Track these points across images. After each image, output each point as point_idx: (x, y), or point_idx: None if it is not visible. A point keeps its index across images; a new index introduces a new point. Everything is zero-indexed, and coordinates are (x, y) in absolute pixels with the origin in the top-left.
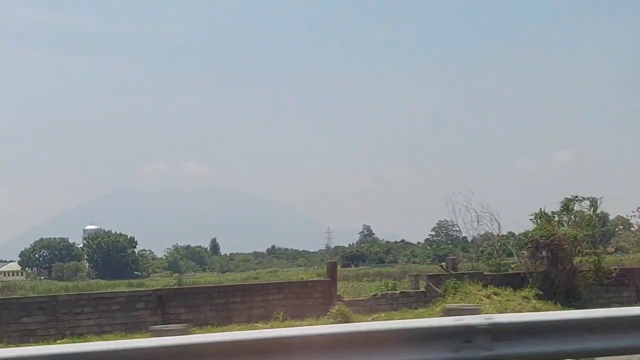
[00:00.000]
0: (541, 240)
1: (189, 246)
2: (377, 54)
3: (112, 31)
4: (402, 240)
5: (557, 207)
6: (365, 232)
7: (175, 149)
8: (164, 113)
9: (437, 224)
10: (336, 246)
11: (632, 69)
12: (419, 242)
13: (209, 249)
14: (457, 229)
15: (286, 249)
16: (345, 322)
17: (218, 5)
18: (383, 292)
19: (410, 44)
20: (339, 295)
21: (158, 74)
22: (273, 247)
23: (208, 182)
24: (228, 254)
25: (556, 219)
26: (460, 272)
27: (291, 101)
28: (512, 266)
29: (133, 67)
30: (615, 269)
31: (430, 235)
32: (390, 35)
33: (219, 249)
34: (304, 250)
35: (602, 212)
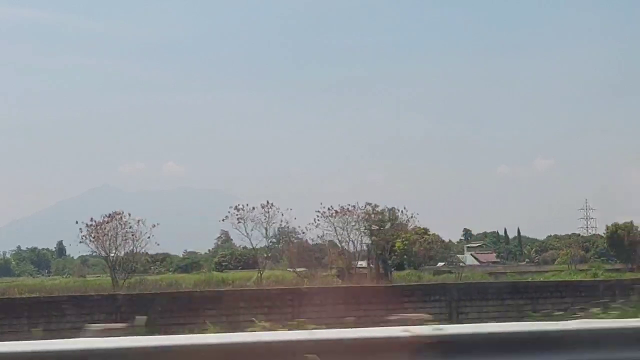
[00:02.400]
0: None
1: (35, 248)
2: (358, 55)
3: (98, 29)
4: (245, 247)
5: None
6: (224, 237)
7: (157, 149)
8: (149, 112)
9: (221, 232)
10: (191, 251)
11: (612, 76)
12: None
13: (55, 251)
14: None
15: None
16: None
17: (203, 5)
18: None
19: (393, 47)
20: None
21: (143, 73)
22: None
23: (187, 183)
24: (76, 257)
25: None
26: None
27: (277, 102)
28: None
29: (117, 66)
30: None
31: (215, 243)
32: (370, 37)
33: (64, 251)
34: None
35: (400, 223)
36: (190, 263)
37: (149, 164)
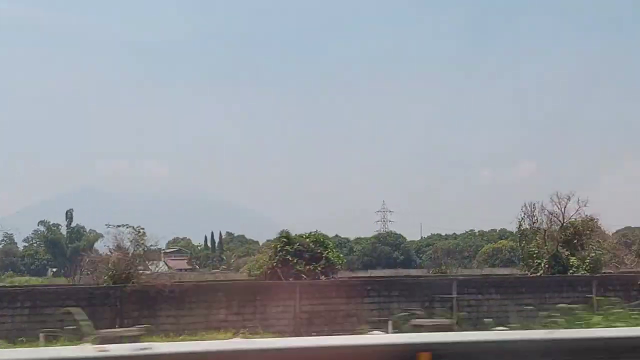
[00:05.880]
0: None
1: None
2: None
3: (98, 29)
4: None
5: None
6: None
7: (140, 149)
8: (148, 111)
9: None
10: None
11: (594, 80)
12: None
13: None
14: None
15: None
16: None
17: (203, 5)
18: None
19: (386, 50)
20: None
21: (142, 73)
22: None
23: (174, 184)
24: None
25: None
26: None
27: (277, 101)
28: None
29: (117, 66)
30: None
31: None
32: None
33: None
34: None
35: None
36: None
37: (137, 165)
